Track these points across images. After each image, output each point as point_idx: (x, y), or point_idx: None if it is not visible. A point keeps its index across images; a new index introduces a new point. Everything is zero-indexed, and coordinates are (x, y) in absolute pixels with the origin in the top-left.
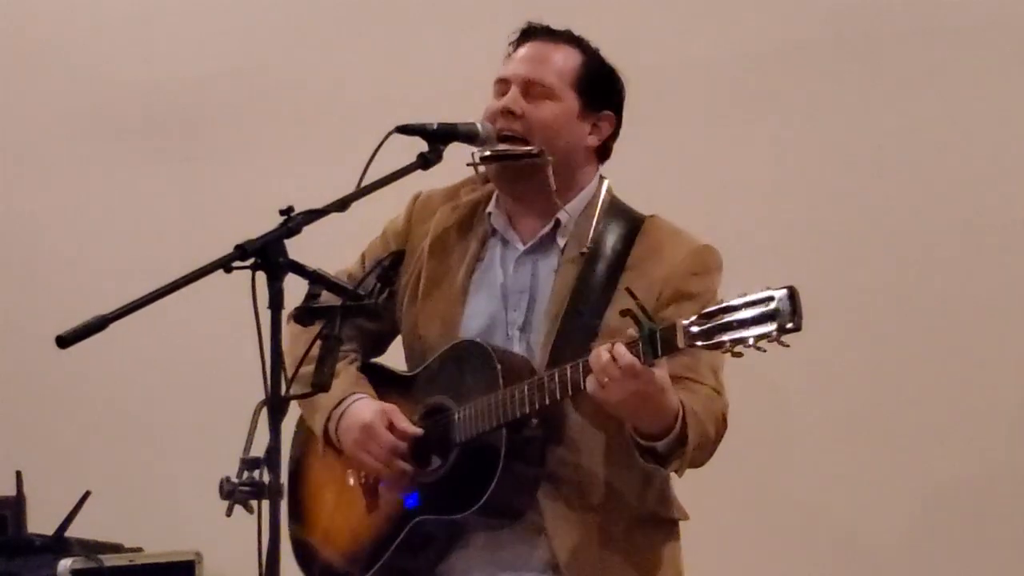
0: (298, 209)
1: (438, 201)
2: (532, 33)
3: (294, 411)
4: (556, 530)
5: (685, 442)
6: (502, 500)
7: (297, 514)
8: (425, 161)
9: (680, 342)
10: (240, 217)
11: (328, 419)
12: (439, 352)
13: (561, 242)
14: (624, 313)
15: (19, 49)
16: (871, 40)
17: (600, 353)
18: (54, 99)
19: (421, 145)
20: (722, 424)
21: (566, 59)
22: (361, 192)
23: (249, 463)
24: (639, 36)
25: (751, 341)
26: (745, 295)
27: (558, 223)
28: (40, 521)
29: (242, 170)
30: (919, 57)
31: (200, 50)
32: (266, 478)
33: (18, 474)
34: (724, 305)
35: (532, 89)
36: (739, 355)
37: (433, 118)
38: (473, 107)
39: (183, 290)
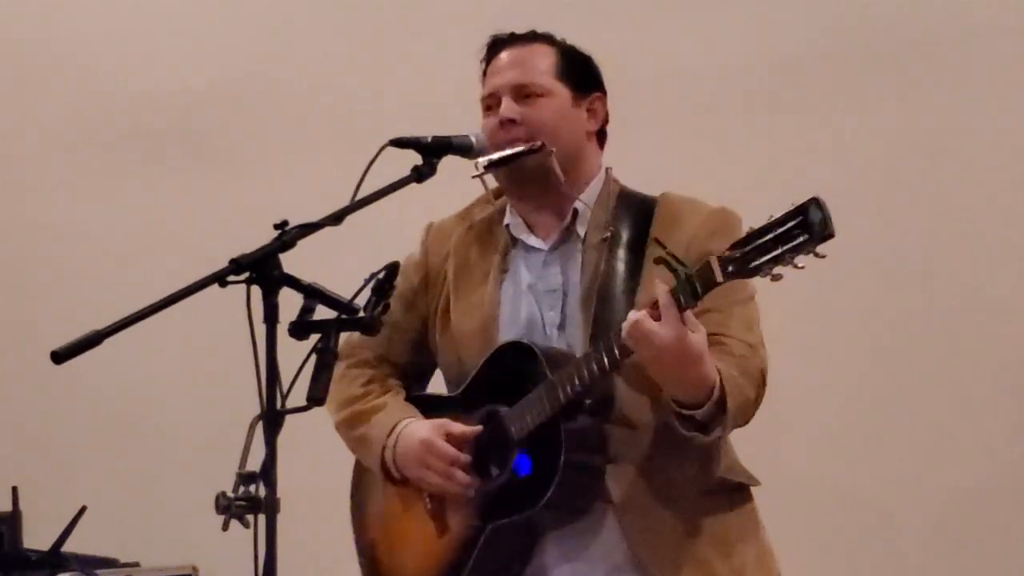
0: (293, 223)
1: (452, 225)
2: (500, 43)
3: (289, 425)
4: (626, 513)
5: (725, 408)
6: (569, 491)
7: (370, 557)
8: (419, 174)
9: (719, 276)
10: (235, 230)
11: (384, 448)
12: (479, 364)
13: (581, 231)
14: (657, 261)
15: (17, 60)
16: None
17: (633, 312)
18: (51, 110)
19: (415, 158)
20: (761, 383)
21: (543, 55)
22: (355, 205)
23: (245, 478)
24: (648, 43)
25: (788, 258)
26: (772, 216)
27: (575, 214)
28: (36, 536)
29: (238, 183)
30: (932, 63)
31: (195, 62)
32: (262, 492)
33: (14, 489)
34: (755, 230)
35: (523, 92)
36: (778, 277)
37: (428, 131)
38: (471, 118)
39: (178, 304)
